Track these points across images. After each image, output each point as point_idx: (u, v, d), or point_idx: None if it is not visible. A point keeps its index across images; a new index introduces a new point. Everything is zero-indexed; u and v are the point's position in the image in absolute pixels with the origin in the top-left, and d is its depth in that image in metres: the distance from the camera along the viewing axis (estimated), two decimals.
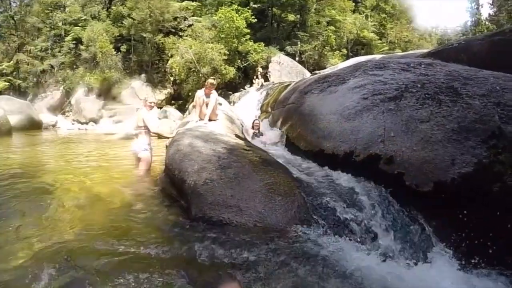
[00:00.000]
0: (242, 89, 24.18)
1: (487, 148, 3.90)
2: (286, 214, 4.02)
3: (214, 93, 8.07)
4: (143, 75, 30.15)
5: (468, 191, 3.75)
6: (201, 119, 7.72)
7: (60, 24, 33.73)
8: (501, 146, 3.87)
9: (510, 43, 5.89)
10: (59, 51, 33.24)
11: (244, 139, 7.07)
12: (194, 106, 8.56)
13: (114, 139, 16.15)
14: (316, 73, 12.00)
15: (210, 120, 7.74)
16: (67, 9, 34.67)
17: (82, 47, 30.92)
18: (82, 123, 27.63)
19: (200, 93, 8.02)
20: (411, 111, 4.71)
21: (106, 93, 29.58)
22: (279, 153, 6.49)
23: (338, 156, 5.09)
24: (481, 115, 4.26)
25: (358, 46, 36.98)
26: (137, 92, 28.13)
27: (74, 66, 31.87)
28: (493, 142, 3.93)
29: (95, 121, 27.99)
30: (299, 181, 4.69)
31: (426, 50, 9.03)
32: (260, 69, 27.45)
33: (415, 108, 4.73)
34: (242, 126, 9.14)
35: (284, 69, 26.61)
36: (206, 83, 8.10)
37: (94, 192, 5.58)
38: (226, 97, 18.25)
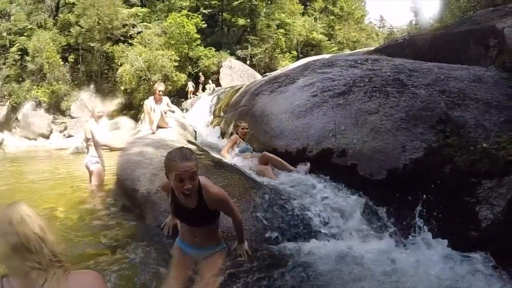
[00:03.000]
0: (194, 95, 23.89)
1: (435, 133, 4.05)
2: (242, 216, 3.89)
3: (164, 100, 7.88)
4: (92, 86, 28.96)
5: (421, 175, 3.84)
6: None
7: (4, 34, 31.87)
8: (449, 130, 4.03)
9: (451, 37, 6.10)
10: (4, 63, 31.12)
11: (196, 145, 6.90)
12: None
13: (66, 154, 15.55)
14: (267, 75, 12.02)
15: (160, 127, 7.53)
16: (11, 17, 32.76)
17: (28, 58, 29.07)
18: (30, 139, 26.33)
19: (148, 101, 7.81)
20: (360, 104, 4.82)
21: (55, 106, 28.29)
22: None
23: (291, 154, 5.08)
24: (428, 103, 4.42)
25: (308, 47, 37.48)
26: (86, 103, 26.92)
27: (20, 79, 30.12)
28: (441, 127, 4.09)
29: (45, 136, 26.76)
30: (254, 182, 4.59)
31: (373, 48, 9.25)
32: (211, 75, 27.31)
33: (364, 101, 4.83)
34: (195, 132, 8.97)
35: (235, 73, 26.51)
36: (154, 90, 7.90)
37: (47, 210, 5.30)
38: (178, 104, 17.94)
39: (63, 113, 27.89)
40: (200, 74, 27.47)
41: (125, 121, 23.61)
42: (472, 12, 10.29)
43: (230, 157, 5.87)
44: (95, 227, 4.56)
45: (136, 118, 24.13)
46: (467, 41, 5.73)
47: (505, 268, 3.02)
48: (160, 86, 8.00)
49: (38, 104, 28.11)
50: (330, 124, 4.85)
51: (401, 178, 3.93)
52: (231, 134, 7.31)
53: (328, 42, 38.61)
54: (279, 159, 5.00)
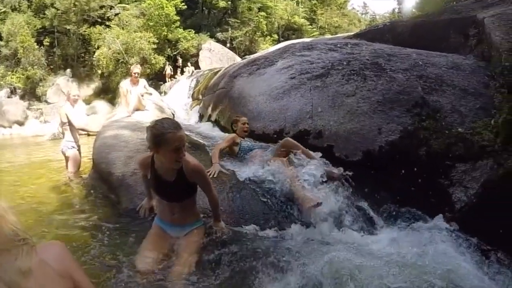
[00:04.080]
0: (172, 78, 23.53)
1: (411, 116, 4.10)
2: (218, 196, 3.85)
3: (141, 82, 7.74)
4: (68, 70, 28.12)
5: (396, 157, 3.90)
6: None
7: None
8: (425, 114, 4.08)
9: (432, 25, 6.12)
10: None
11: None
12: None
13: (42, 141, 15.31)
14: (246, 58, 11.93)
15: (137, 110, 7.40)
16: None
17: (1, 42, 28.12)
18: (5, 127, 25.59)
19: (124, 83, 7.69)
20: (337, 87, 4.83)
21: (31, 92, 27.34)
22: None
23: (268, 135, 5.07)
24: (405, 87, 4.45)
25: (289, 31, 37.24)
26: (62, 88, 26.12)
27: None
28: (417, 111, 4.13)
29: (21, 123, 26.00)
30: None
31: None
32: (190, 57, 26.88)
33: (341, 84, 4.84)
34: (173, 115, 8.84)
35: (215, 56, 26.19)
36: (130, 72, 7.76)
37: (24, 199, 5.24)
38: (156, 87, 17.62)
39: (38, 99, 26.89)
40: (178, 57, 27.09)
41: (102, 105, 23.29)
42: (454, 2, 10.34)
43: (218, 165, 4.21)
44: (70, 212, 4.52)
45: (113, 102, 23.70)
46: (447, 30, 5.75)
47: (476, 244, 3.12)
48: (136, 68, 7.84)
49: (13, 91, 27.14)
50: (307, 106, 4.85)
51: (377, 159, 3.97)
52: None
53: (310, 26, 38.46)
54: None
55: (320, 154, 4.18)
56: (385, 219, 3.63)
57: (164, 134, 2.68)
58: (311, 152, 4.20)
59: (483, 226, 3.22)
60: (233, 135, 4.87)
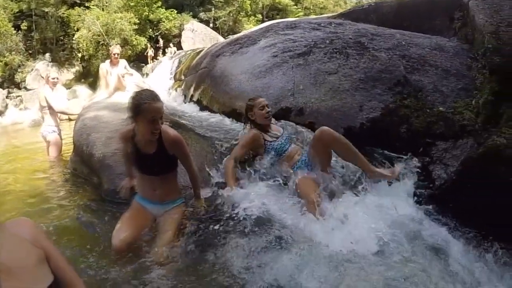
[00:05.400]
0: (154, 60, 23.12)
1: (393, 94, 4.13)
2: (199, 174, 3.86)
3: (121, 63, 7.61)
4: (47, 55, 27.11)
5: (377, 133, 3.95)
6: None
7: None
8: (407, 93, 4.11)
9: (417, 7, 6.11)
10: None
11: None
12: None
13: (22, 127, 15.21)
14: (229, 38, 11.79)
15: (118, 91, 7.27)
16: None
17: None
18: None
19: (104, 65, 7.63)
20: (319, 65, 4.83)
21: (10, 79, 26.39)
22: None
23: None
24: (387, 65, 4.47)
25: (274, 11, 36.79)
26: (42, 74, 25.46)
27: None
28: (399, 89, 4.16)
29: (0, 113, 25.25)
30: (211, 139, 4.57)
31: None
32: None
33: (323, 62, 4.85)
34: None
35: (197, 36, 25.67)
36: (110, 53, 7.62)
37: (4, 185, 5.19)
38: (138, 69, 17.30)
39: (18, 85, 25.96)
40: (160, 37, 26.59)
41: (83, 89, 22.79)
42: None
43: (236, 190, 3.39)
44: (51, 197, 4.49)
45: (94, 86, 23.05)
46: (432, 12, 5.75)
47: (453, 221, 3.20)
48: (115, 49, 7.73)
49: None
50: (289, 83, 4.84)
51: (358, 136, 3.97)
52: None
53: (295, 7, 38.04)
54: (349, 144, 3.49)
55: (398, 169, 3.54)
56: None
57: (141, 104, 2.73)
58: (365, 161, 3.48)
59: (461, 203, 3.28)
60: (252, 132, 3.79)
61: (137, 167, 3.14)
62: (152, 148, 2.93)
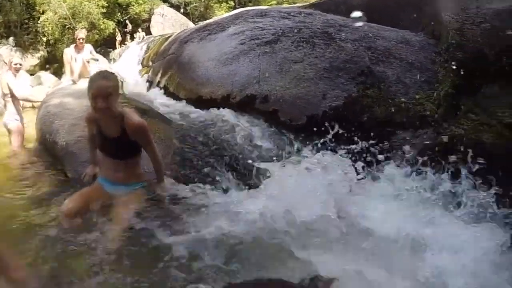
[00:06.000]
0: (122, 45, 22.57)
1: (356, 84, 4.23)
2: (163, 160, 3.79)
3: (87, 48, 7.41)
4: (11, 39, 25.97)
5: (339, 121, 3.97)
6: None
7: None
8: (370, 83, 4.22)
9: (387, 1, 6.19)
10: None
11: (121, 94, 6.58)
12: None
13: None
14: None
15: (83, 77, 7.08)
16: None
17: None
18: None
19: (68, 50, 7.42)
20: (286, 53, 4.84)
21: None
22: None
23: (216, 100, 5.02)
24: (352, 56, 4.55)
25: None
26: (5, 59, 24.57)
27: None
28: (362, 79, 4.27)
29: None
30: (178, 127, 4.51)
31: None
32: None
33: (290, 50, 4.86)
34: (122, 83, 8.54)
35: (167, 22, 25.09)
36: (75, 38, 7.42)
37: None
38: (105, 54, 16.93)
39: None
40: (128, 22, 25.97)
41: (47, 76, 21.94)
42: None
43: None
44: (15, 187, 4.31)
45: (59, 72, 22.28)
46: (401, 7, 5.83)
47: None
48: (81, 33, 7.53)
49: None
50: (255, 71, 4.83)
51: (321, 124, 4.03)
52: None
53: None
54: None
55: None
56: None
57: (89, 81, 2.80)
58: None
59: None
60: None
61: (100, 150, 3.11)
62: (115, 133, 2.89)
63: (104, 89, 2.73)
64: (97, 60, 8.30)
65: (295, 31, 5.24)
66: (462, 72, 3.95)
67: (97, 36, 22.89)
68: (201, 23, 9.60)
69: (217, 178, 3.58)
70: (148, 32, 24.14)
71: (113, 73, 2.97)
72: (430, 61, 4.54)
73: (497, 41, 4.04)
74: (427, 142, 3.65)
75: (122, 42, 23.72)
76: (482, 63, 4.00)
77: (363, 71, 4.32)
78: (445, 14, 4.55)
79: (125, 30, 25.20)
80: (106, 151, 3.04)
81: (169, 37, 9.39)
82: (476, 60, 4.02)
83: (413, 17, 5.55)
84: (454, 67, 4.06)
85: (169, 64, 7.00)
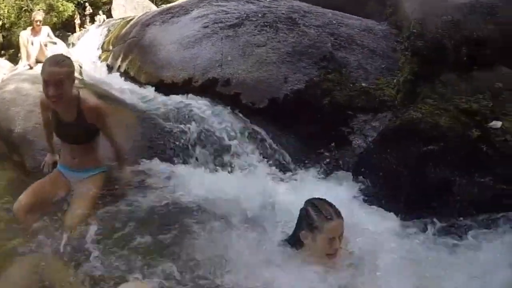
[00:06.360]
0: (82, 28, 21.84)
1: (318, 68, 4.31)
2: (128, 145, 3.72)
3: (44, 30, 7.12)
4: None
5: (301, 105, 4.11)
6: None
7: None
8: (331, 68, 4.32)
9: None
10: None
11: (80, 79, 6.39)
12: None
13: None
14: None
15: (40, 62, 6.78)
16: None
17: None
18: None
19: (24, 33, 7.10)
20: (249, 37, 4.87)
21: None
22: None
23: (177, 84, 4.96)
24: (315, 41, 4.62)
25: None
26: None
27: None
28: (324, 64, 4.35)
29: None
30: (141, 111, 4.40)
31: None
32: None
33: (253, 34, 4.89)
34: (81, 68, 8.30)
35: (129, 4, 24.29)
36: (32, 20, 7.12)
37: None
38: (64, 38, 16.31)
39: None
40: (88, 4, 25.15)
41: (2, 62, 20.91)
42: None
43: None
44: None
45: (16, 59, 21.32)
46: None
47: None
48: (38, 15, 7.20)
49: None
50: (218, 54, 4.82)
51: (282, 107, 4.15)
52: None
53: None
54: None
55: None
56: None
57: (42, 67, 2.67)
58: None
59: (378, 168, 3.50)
60: None
61: (57, 135, 3.00)
62: (72, 116, 2.77)
63: (56, 75, 2.59)
64: (55, 43, 7.99)
65: (260, 15, 5.25)
66: (421, 60, 4.08)
67: (55, 19, 22.03)
68: (164, 6, 9.45)
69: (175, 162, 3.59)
70: (109, 15, 23.31)
71: (67, 58, 2.81)
72: (391, 49, 4.68)
73: (457, 33, 4.18)
74: (386, 124, 3.80)
75: (82, 25, 22.87)
76: (441, 53, 4.12)
77: (325, 56, 4.40)
78: (407, 4, 4.68)
79: (85, 12, 24.35)
80: (62, 136, 2.93)
81: (131, 20, 9.15)
82: (435, 49, 4.13)
83: (377, 7, 5.71)
84: (413, 55, 4.18)
85: (130, 48, 6.84)
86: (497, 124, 3.49)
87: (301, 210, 2.37)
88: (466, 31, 4.14)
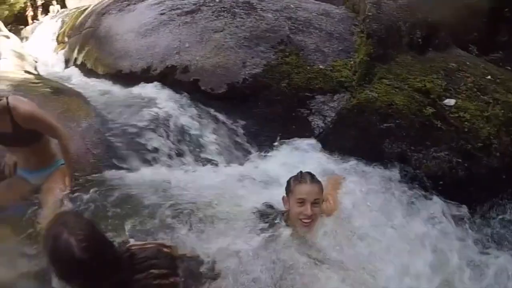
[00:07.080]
0: (35, 21, 21.01)
1: (275, 52, 4.35)
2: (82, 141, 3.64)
3: None
4: None
5: (259, 88, 4.18)
6: None
7: None
8: (289, 51, 4.36)
9: None
10: None
11: (35, 75, 6.17)
12: None
13: None
14: None
15: None
16: None
17: None
18: None
19: None
20: (206, 23, 4.84)
21: None
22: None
23: (136, 74, 4.90)
24: (273, 25, 4.65)
25: None
26: None
27: None
28: (282, 48, 4.39)
29: None
30: (95, 104, 4.30)
31: None
32: None
33: (210, 20, 4.86)
34: (36, 62, 8.04)
35: None
36: None
37: None
38: (17, 32, 15.65)
39: None
40: None
41: None
42: None
43: None
44: None
45: None
46: None
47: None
48: None
49: None
50: (175, 42, 4.80)
51: (241, 91, 4.20)
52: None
53: None
54: None
55: None
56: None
57: None
58: None
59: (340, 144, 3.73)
60: None
61: (3, 145, 2.88)
62: (8, 128, 2.60)
63: None
64: (8, 37, 7.75)
65: (217, 0, 5.21)
66: (376, 42, 4.22)
67: (6, 12, 21.10)
68: None
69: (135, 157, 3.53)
70: (63, 5, 22.48)
71: None
72: (349, 32, 4.75)
73: (411, 16, 4.41)
74: (344, 104, 3.96)
75: (35, 17, 21.97)
76: (396, 35, 4.31)
77: (282, 40, 4.44)
78: None
79: (37, 4, 23.38)
80: (8, 145, 2.84)
81: (86, 9, 8.91)
82: (390, 32, 4.29)
83: None
84: (369, 37, 4.29)
85: (86, 39, 6.67)
86: (451, 102, 3.70)
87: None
88: (421, 14, 4.40)
